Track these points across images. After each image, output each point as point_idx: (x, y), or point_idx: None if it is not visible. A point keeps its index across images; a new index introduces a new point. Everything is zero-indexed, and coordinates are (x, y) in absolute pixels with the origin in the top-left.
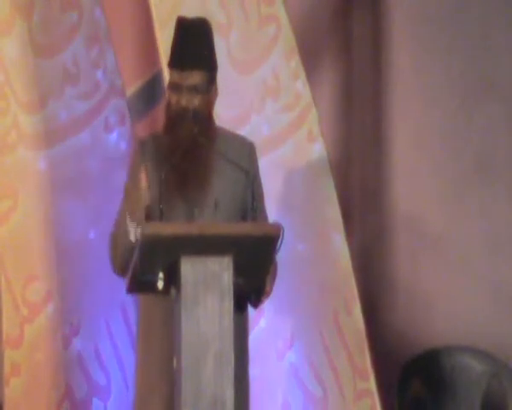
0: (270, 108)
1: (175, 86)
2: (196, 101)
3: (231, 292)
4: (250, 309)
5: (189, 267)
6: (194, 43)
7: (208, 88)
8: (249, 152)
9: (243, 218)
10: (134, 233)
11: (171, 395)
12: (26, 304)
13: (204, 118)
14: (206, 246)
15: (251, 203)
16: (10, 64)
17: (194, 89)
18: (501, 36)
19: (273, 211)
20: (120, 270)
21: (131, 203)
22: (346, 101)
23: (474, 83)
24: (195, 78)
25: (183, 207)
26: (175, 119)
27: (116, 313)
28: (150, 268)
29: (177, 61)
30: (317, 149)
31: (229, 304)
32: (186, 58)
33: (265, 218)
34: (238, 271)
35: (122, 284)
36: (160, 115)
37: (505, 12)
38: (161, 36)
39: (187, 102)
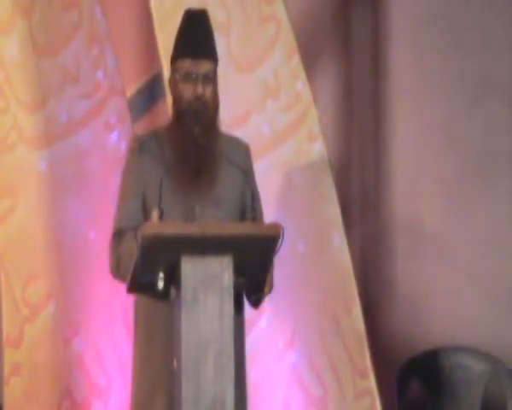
0: (271, 107)
1: (187, 75)
2: (208, 91)
3: (231, 292)
4: (250, 309)
5: (190, 267)
6: (205, 33)
7: (215, 81)
8: (245, 153)
9: (242, 217)
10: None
11: (171, 396)
12: (27, 304)
13: (211, 116)
14: (206, 246)
15: (250, 203)
16: (11, 64)
17: (207, 77)
18: (501, 35)
19: (273, 211)
20: (123, 279)
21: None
22: (346, 101)
23: (474, 82)
24: (208, 66)
25: (184, 207)
26: (186, 110)
27: (116, 313)
28: (150, 268)
29: (190, 49)
30: (317, 149)
31: (229, 304)
32: (200, 46)
33: (262, 219)
34: (238, 271)
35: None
36: (159, 115)
37: (505, 11)
38: (161, 36)
39: (202, 90)
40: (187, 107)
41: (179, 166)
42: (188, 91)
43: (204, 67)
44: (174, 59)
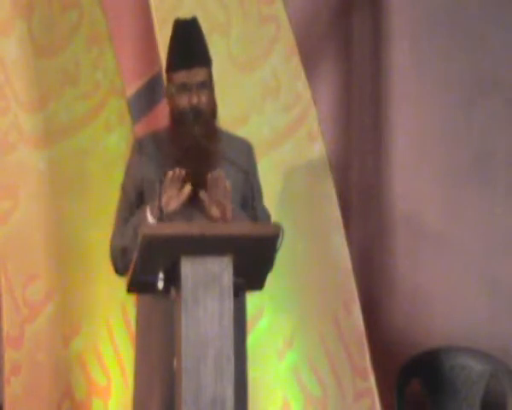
0: (270, 107)
1: (182, 86)
2: (204, 98)
3: (231, 292)
4: (250, 309)
5: (189, 267)
6: (195, 41)
7: (211, 84)
8: (248, 153)
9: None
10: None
11: (169, 395)
12: (27, 304)
13: (207, 119)
14: (206, 246)
15: (251, 203)
16: (10, 64)
17: (202, 85)
18: (500, 35)
19: (273, 211)
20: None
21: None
22: (346, 101)
23: (473, 83)
24: (202, 74)
25: (183, 207)
26: (183, 119)
27: (116, 312)
28: (150, 268)
29: (183, 61)
30: (317, 149)
31: (228, 304)
32: (192, 56)
33: (268, 216)
34: (238, 271)
35: (122, 283)
36: (160, 115)
37: (504, 11)
38: (161, 36)
39: (197, 99)
40: (183, 116)
41: (178, 167)
42: (183, 102)
43: (198, 75)
44: (168, 70)
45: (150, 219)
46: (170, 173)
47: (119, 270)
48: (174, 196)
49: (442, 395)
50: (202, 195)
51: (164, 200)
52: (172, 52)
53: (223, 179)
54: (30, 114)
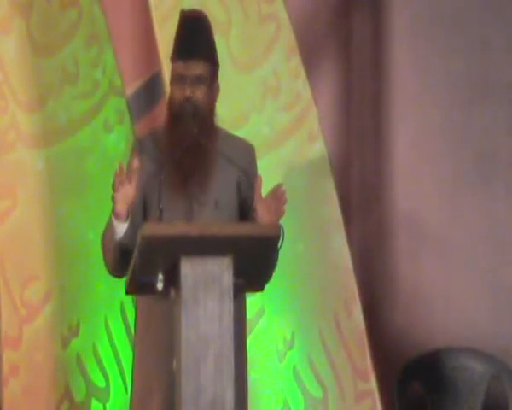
0: (271, 107)
1: (179, 78)
2: (200, 93)
3: (231, 293)
4: (250, 309)
5: (189, 268)
6: (198, 34)
7: (211, 82)
8: (249, 153)
9: (243, 218)
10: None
11: (168, 396)
12: (25, 305)
13: (205, 116)
14: (205, 247)
15: (251, 203)
16: (9, 63)
17: (198, 79)
18: (501, 36)
19: None
20: (114, 270)
21: (116, 202)
22: (346, 100)
23: (474, 83)
24: (200, 68)
25: (182, 206)
26: (178, 112)
27: (115, 313)
28: (150, 269)
29: (182, 52)
30: (317, 149)
31: (228, 305)
32: (191, 48)
33: None
34: (238, 271)
35: (121, 284)
36: (159, 115)
37: (504, 12)
38: (161, 35)
39: (191, 92)
40: (177, 108)
41: (177, 165)
42: (177, 93)
43: (195, 68)
44: (170, 61)
45: (113, 219)
46: (114, 175)
47: (110, 270)
48: (120, 198)
49: (443, 396)
50: (258, 199)
51: (115, 202)
52: (175, 42)
53: (284, 196)
54: (28, 114)
